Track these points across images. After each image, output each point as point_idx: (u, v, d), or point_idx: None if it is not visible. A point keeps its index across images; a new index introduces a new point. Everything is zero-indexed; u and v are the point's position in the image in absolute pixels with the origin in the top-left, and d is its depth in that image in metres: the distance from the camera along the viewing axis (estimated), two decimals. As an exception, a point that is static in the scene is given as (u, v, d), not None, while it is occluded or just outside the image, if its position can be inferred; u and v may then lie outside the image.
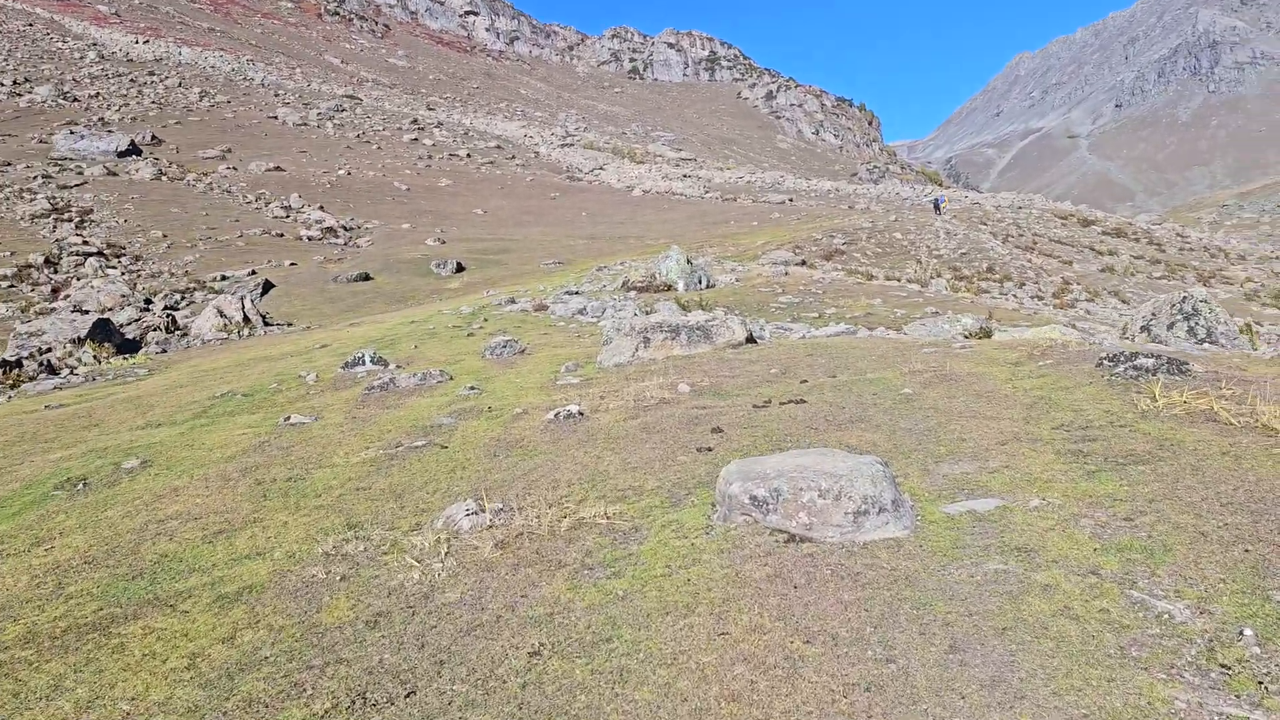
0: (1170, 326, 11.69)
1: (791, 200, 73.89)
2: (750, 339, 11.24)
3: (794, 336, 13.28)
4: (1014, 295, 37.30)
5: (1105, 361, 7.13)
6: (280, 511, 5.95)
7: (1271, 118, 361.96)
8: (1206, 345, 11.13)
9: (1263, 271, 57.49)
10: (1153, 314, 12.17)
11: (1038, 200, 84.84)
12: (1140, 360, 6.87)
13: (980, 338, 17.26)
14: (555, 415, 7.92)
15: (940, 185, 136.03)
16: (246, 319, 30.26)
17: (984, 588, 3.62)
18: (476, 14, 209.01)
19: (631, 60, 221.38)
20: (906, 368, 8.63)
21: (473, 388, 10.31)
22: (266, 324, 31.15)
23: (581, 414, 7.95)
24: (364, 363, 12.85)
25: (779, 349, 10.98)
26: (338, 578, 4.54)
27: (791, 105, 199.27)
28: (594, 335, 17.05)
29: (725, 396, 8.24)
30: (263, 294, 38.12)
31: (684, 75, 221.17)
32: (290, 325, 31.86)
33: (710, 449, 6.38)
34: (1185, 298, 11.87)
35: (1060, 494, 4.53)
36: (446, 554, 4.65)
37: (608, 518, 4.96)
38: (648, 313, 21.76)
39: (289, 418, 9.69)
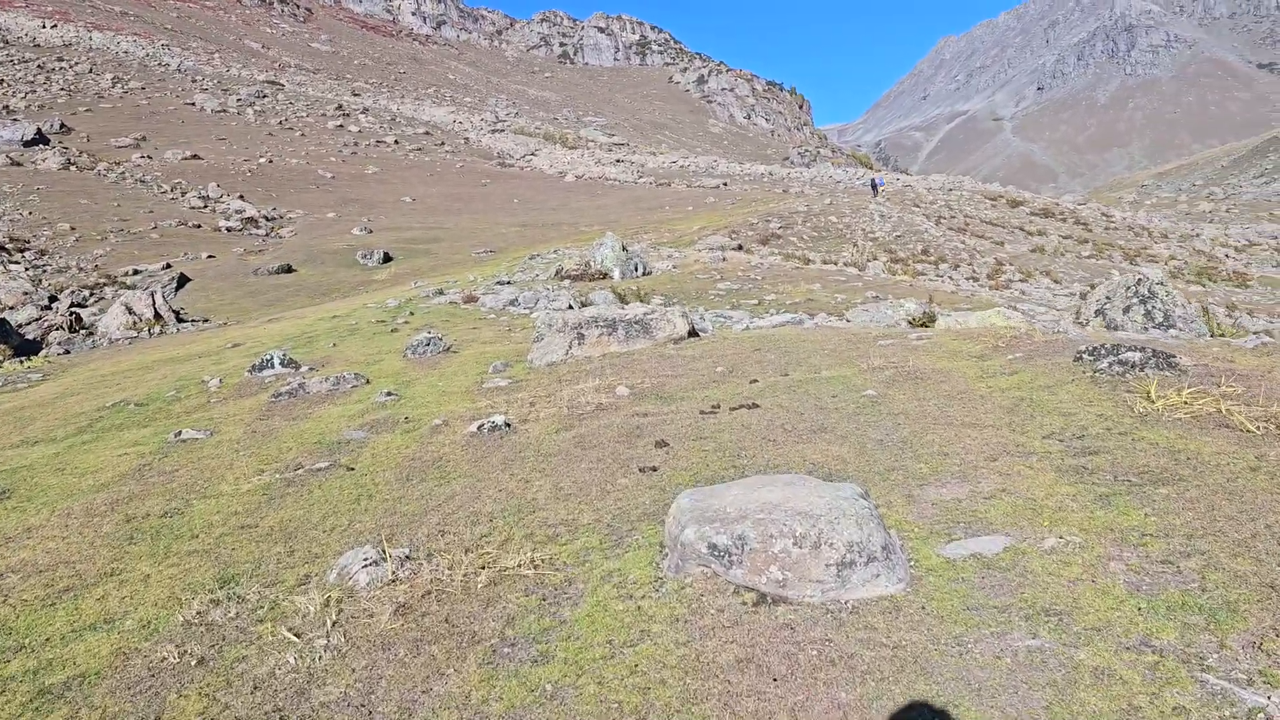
0: (1126, 310, 11.19)
1: (726, 185, 73.41)
2: (693, 332, 10.44)
3: (738, 328, 12.52)
4: (950, 277, 37.22)
5: (1085, 355, 6.49)
6: (145, 560, 4.96)
7: (1184, 100, 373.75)
8: (1169, 331, 10.67)
9: (1185, 249, 58.70)
10: (1106, 297, 11.67)
11: (967, 182, 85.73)
12: (1125, 354, 6.23)
13: (924, 324, 16.79)
14: (479, 427, 7.01)
15: (870, 168, 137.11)
16: (158, 316, 28.53)
17: (1018, 675, 2.84)
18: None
19: (562, 45, 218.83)
20: (864, 364, 7.91)
21: (390, 393, 9.33)
22: (180, 321, 29.46)
23: (509, 425, 7.06)
24: (273, 365, 11.74)
25: (724, 343, 10.20)
26: (193, 661, 3.60)
27: (723, 90, 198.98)
28: (526, 329, 16.10)
29: (669, 400, 7.42)
30: (178, 288, 36.22)
31: (615, 60, 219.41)
32: (207, 322, 30.24)
33: (655, 468, 5.55)
34: (1140, 280, 11.40)
35: (1077, 528, 3.80)
36: (334, 623, 3.74)
37: (535, 566, 4.10)
38: (583, 303, 20.85)
39: (180, 433, 8.60)
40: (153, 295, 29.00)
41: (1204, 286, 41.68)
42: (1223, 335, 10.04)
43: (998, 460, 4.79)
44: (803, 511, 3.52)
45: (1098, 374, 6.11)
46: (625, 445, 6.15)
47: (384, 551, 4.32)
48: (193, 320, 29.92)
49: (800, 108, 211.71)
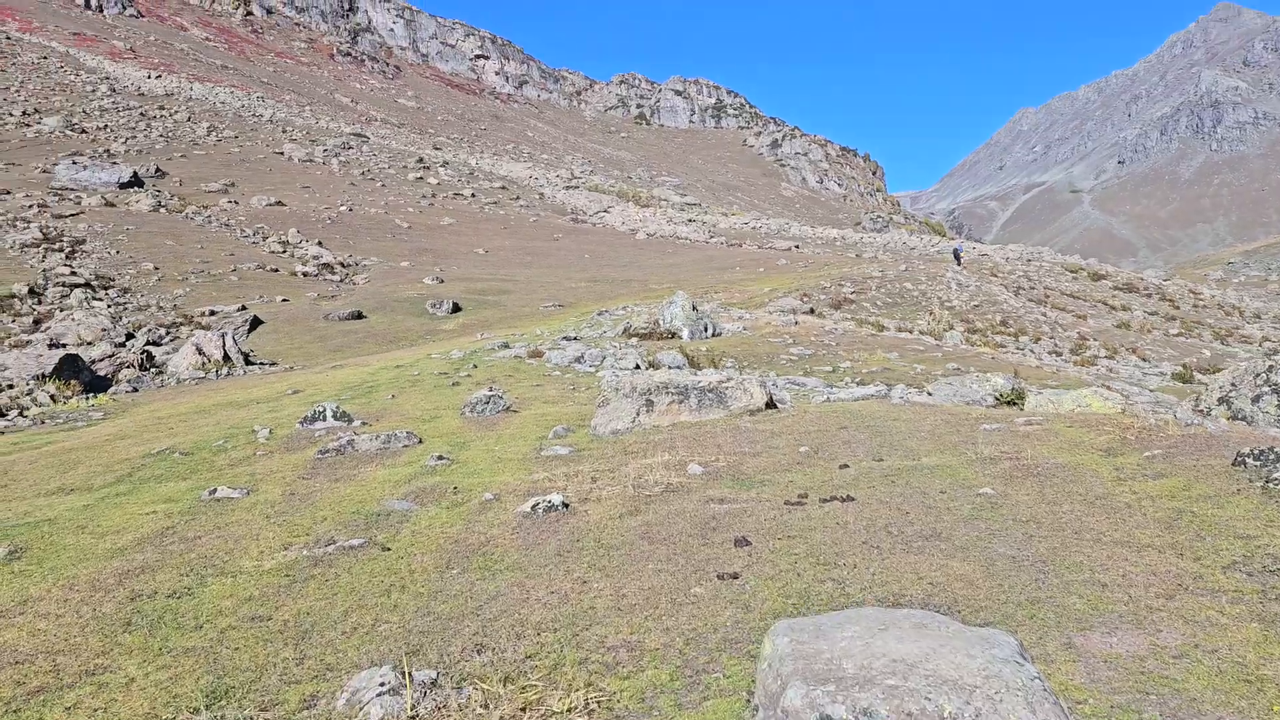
0: (1256, 400, 9.98)
1: (798, 248, 72.62)
2: (770, 403, 9.56)
3: (817, 399, 11.58)
4: (1031, 350, 35.72)
5: (1248, 459, 5.46)
6: (134, 656, 4.24)
7: (1273, 177, 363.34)
8: (1309, 425, 9.46)
9: (1280, 331, 55.95)
10: (1232, 384, 10.46)
11: (1046, 253, 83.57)
12: (1304, 462, 5.19)
13: (1013, 401, 15.66)
14: (533, 506, 6.22)
15: (943, 235, 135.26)
16: (227, 357, 28.60)
17: None
18: (487, 58, 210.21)
19: (639, 106, 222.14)
20: (970, 451, 6.94)
21: (442, 457, 8.60)
22: (249, 363, 29.50)
23: (566, 505, 6.25)
24: (325, 417, 11.16)
25: (804, 417, 9.30)
26: (150, 823, 2.83)
27: (796, 154, 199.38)
28: (590, 388, 15.38)
29: (747, 484, 6.54)
30: (250, 330, 36.53)
31: (690, 122, 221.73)
32: (274, 365, 30.26)
33: (736, 575, 4.67)
34: (1272, 366, 10.18)
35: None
36: (332, 779, 2.94)
37: (589, 712, 3.25)
38: (650, 363, 20.10)
39: (215, 490, 7.98)
40: (223, 337, 29.13)
41: (1305, 371, 39.35)
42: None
43: (1175, 599, 3.82)
44: (950, 679, 2.62)
45: (1272, 484, 5.09)
46: (699, 540, 5.29)
47: (405, 674, 3.52)
48: (260, 363, 29.97)
49: (874, 174, 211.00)
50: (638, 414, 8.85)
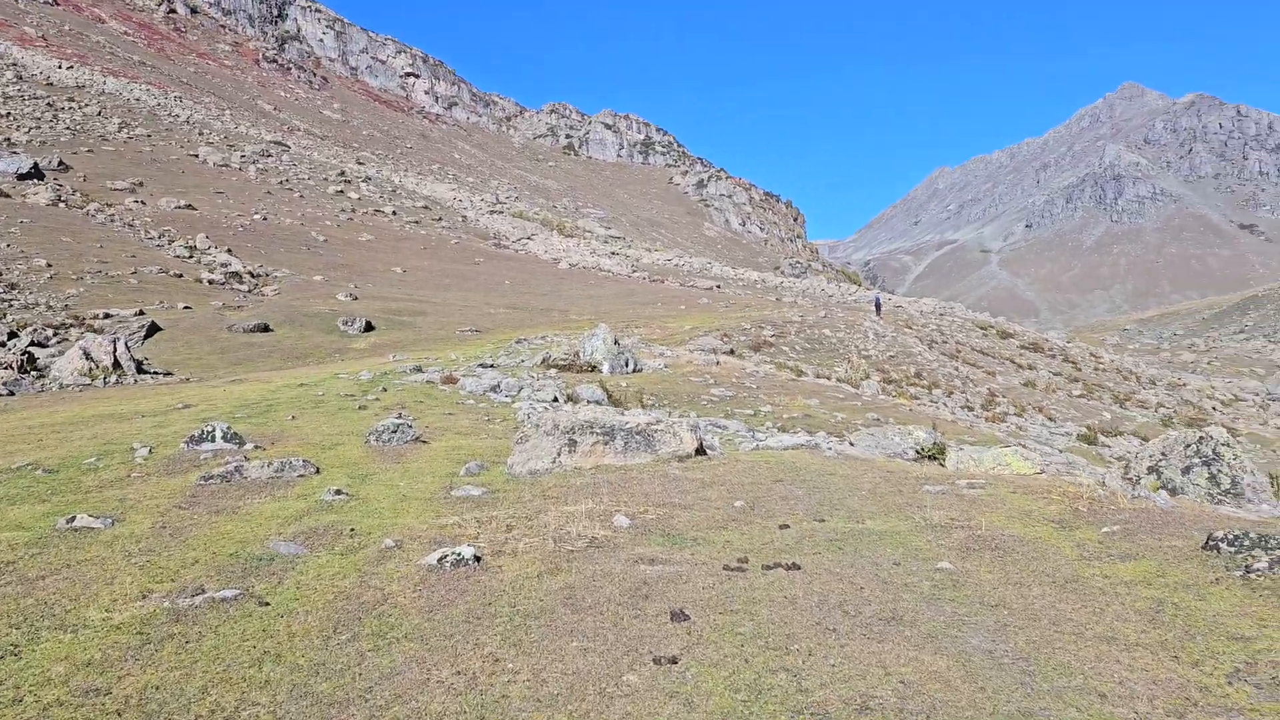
0: (1186, 471, 9.83)
1: (719, 287, 72.98)
2: (700, 449, 8.98)
3: (746, 446, 11.06)
4: (944, 403, 36.17)
5: (1223, 545, 5.08)
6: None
7: (1166, 250, 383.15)
8: (1241, 500, 9.31)
9: (1173, 398, 58.24)
10: (1162, 454, 10.31)
11: (958, 309, 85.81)
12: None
13: (934, 455, 15.47)
14: (440, 559, 5.46)
15: (859, 285, 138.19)
16: (117, 365, 26.80)
17: None
18: (418, 76, 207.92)
19: (568, 136, 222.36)
20: (919, 516, 6.47)
21: (340, 491, 7.75)
22: (141, 372, 27.74)
23: (478, 559, 5.52)
24: (214, 438, 10.15)
25: (736, 466, 8.74)
26: None
27: (721, 195, 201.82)
28: (506, 419, 14.61)
29: (680, 542, 5.92)
30: (146, 337, 34.56)
31: (618, 156, 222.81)
32: (169, 375, 28.57)
33: (674, 659, 4.02)
34: (1202, 438, 10.07)
35: None
36: None
37: None
38: (569, 397, 19.41)
39: (74, 518, 6.99)
40: (114, 342, 27.32)
41: (1197, 438, 40.76)
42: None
43: (1187, 718, 3.32)
44: None
45: (1253, 575, 4.70)
46: (630, 610, 4.63)
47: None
48: (154, 373, 28.25)
49: (795, 220, 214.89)
50: (559, 454, 8.17)
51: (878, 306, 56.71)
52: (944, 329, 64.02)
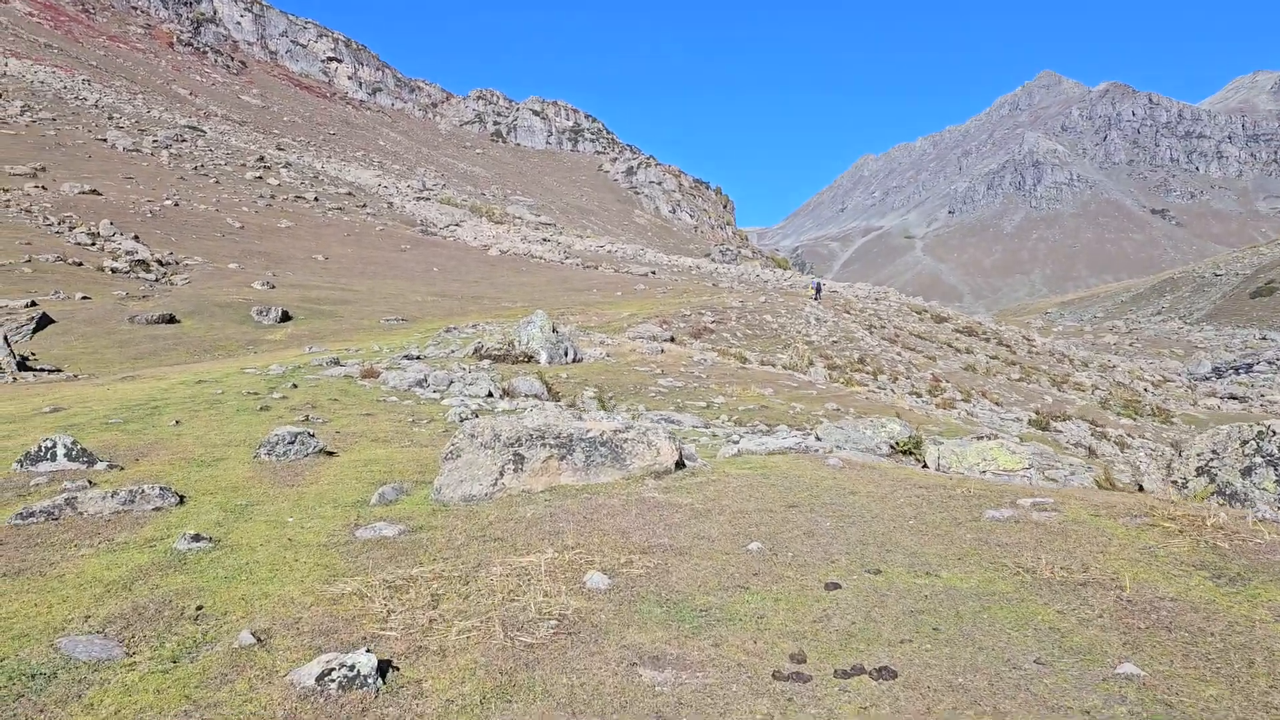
0: (1247, 473, 8.35)
1: (654, 273, 71.31)
2: (679, 462, 7.15)
3: (726, 451, 9.25)
4: (891, 390, 35.06)
5: None
6: None
7: (1083, 235, 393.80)
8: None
9: (1106, 380, 58.43)
10: (1213, 452, 8.79)
11: (892, 293, 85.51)
12: None
13: (910, 450, 14.02)
14: (321, 677, 3.52)
15: (787, 270, 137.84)
16: (-5, 361, 23.97)
17: None
18: (340, 61, 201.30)
19: (496, 123, 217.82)
20: (1010, 560, 4.79)
21: (200, 537, 5.72)
22: (24, 369, 24.90)
23: (383, 674, 3.58)
24: (54, 456, 7.99)
25: (728, 485, 6.93)
26: None
27: (651, 183, 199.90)
28: (434, 420, 12.61)
29: (690, 621, 4.10)
30: (36, 330, 31.49)
31: (547, 143, 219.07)
32: (57, 372, 25.78)
33: None
34: (1262, 433, 8.55)
35: None
36: None
37: None
38: (505, 391, 17.44)
39: None
40: (-6, 337, 24.45)
41: (1134, 421, 40.51)
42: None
43: None
44: None
45: None
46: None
47: None
48: (39, 369, 25.44)
49: (724, 207, 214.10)
50: (501, 472, 6.29)
51: (818, 291, 55.66)
52: (881, 313, 63.31)
